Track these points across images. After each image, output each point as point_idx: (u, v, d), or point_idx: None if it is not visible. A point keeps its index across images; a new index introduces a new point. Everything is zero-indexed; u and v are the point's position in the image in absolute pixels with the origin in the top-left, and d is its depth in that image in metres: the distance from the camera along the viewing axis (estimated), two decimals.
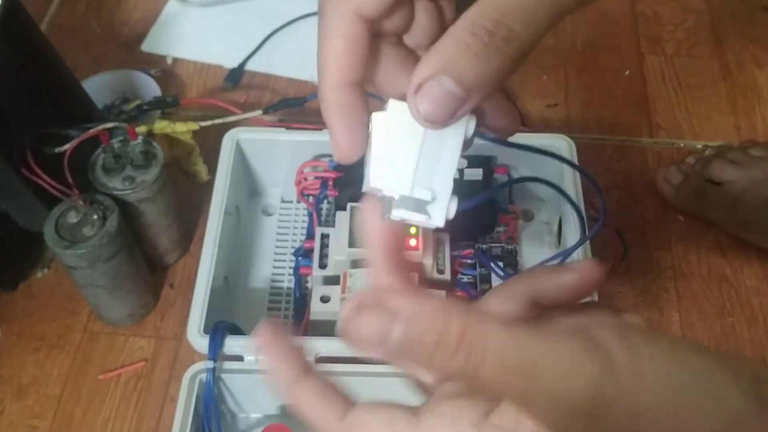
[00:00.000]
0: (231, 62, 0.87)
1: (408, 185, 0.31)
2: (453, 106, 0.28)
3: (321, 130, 0.71)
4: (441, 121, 0.29)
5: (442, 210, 0.32)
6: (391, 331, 0.25)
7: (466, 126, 0.31)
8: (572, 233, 0.64)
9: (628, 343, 0.26)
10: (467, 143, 0.31)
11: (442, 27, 0.33)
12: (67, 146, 0.61)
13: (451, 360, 0.25)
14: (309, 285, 0.66)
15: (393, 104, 0.31)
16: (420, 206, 0.31)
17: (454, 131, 0.31)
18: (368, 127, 0.32)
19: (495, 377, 0.25)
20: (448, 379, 0.29)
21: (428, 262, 0.61)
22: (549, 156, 0.42)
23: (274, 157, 0.71)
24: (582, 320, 0.32)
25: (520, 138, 0.36)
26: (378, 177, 0.31)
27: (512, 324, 0.26)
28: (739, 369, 0.27)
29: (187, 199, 0.73)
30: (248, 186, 0.74)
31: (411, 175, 0.31)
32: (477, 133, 0.31)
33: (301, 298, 0.66)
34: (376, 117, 0.31)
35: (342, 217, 0.63)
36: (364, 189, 0.32)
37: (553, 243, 0.70)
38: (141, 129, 0.65)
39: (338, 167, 0.68)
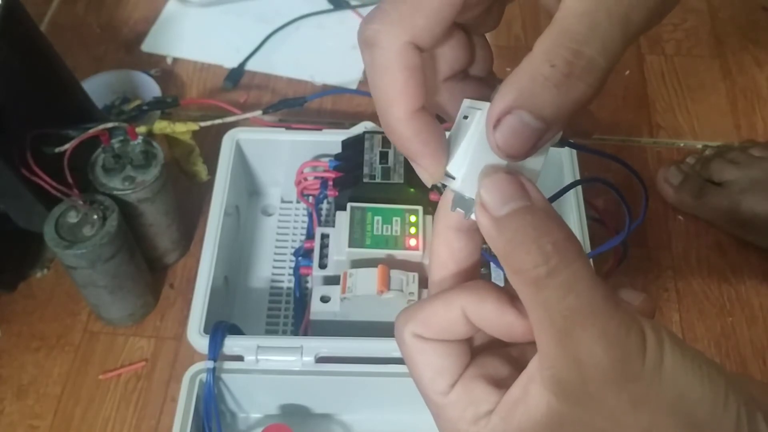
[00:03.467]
0: (231, 62, 0.87)
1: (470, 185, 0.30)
2: (533, 140, 0.27)
3: (321, 130, 0.71)
4: (522, 155, 0.28)
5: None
6: (521, 198, 0.28)
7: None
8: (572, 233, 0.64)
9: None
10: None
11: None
12: (67, 146, 0.61)
13: (538, 254, 0.27)
14: (309, 285, 0.66)
15: (487, 106, 0.29)
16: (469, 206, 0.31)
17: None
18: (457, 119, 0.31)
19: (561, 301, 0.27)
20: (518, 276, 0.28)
21: (428, 261, 0.61)
22: (617, 162, 0.41)
23: (273, 157, 0.71)
24: None
25: None
26: (465, 181, 0.30)
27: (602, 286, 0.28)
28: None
29: (187, 199, 0.73)
30: (248, 186, 0.74)
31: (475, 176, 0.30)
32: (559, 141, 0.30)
33: (301, 298, 0.66)
34: (473, 115, 0.30)
35: (342, 217, 0.63)
36: (452, 185, 0.31)
37: None
38: (141, 129, 0.65)
39: (338, 167, 0.68)
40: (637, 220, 0.40)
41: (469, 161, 0.30)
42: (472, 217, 0.30)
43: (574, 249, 0.28)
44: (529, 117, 0.27)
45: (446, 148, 0.30)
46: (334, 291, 0.60)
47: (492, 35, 0.34)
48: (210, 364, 0.57)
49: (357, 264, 0.60)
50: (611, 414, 0.28)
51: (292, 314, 0.67)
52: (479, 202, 0.28)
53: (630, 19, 0.26)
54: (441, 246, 0.33)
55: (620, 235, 0.40)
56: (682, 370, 0.27)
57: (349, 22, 0.91)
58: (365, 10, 0.91)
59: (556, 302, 0.27)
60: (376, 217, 0.61)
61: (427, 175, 0.31)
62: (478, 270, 0.34)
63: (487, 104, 0.29)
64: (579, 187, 0.65)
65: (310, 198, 0.70)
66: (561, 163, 0.67)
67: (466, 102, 0.31)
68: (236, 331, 0.59)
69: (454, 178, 0.31)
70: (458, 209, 0.31)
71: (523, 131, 0.27)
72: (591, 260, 0.62)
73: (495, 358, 0.32)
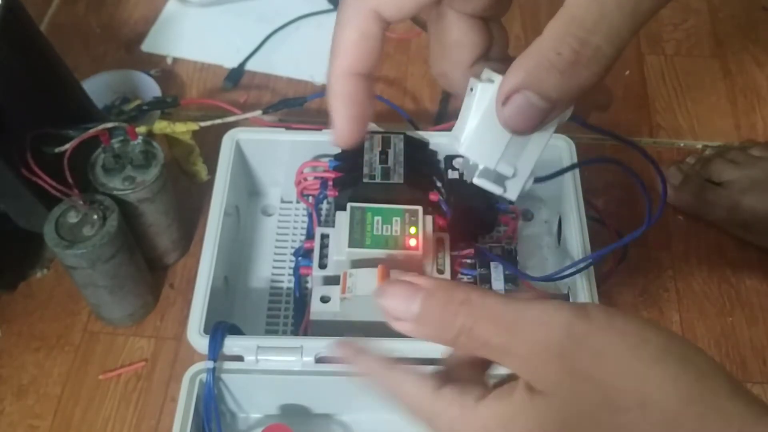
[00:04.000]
0: (231, 62, 0.87)
1: (494, 160, 0.33)
2: (538, 118, 0.29)
3: (321, 130, 0.71)
4: (528, 130, 0.30)
5: (518, 186, 0.34)
6: (413, 300, 0.31)
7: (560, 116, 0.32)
8: (572, 233, 0.64)
9: (607, 310, 0.30)
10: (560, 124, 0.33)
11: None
12: (67, 146, 0.61)
13: (454, 318, 0.30)
14: (309, 285, 0.66)
15: (499, 79, 0.31)
16: (500, 179, 0.33)
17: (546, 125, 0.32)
18: (466, 90, 0.33)
19: (485, 333, 0.30)
20: (452, 344, 0.32)
21: (428, 262, 0.61)
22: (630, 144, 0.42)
23: (273, 157, 0.71)
24: None
25: None
26: (470, 147, 0.33)
27: (510, 296, 0.31)
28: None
29: (187, 199, 0.73)
30: (248, 186, 0.74)
31: (500, 152, 0.32)
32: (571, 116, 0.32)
33: (301, 298, 0.66)
34: (483, 88, 0.32)
35: (342, 217, 0.63)
36: (459, 149, 0.33)
37: (552, 243, 0.70)
38: (141, 129, 0.65)
39: (338, 167, 0.68)
40: (655, 216, 0.40)
41: (474, 130, 0.32)
42: (473, 180, 0.33)
43: (469, 295, 0.31)
44: (535, 97, 0.29)
45: (363, 123, 0.33)
46: (334, 291, 0.60)
47: None
48: (210, 364, 0.57)
49: (357, 264, 0.60)
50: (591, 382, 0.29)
51: (292, 314, 0.67)
52: (392, 317, 0.32)
53: (639, 7, 0.27)
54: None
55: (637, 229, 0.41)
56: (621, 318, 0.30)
57: None
58: None
59: (493, 335, 0.30)
60: (376, 217, 0.61)
61: (335, 136, 0.33)
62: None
63: (493, 76, 0.31)
64: (579, 190, 0.65)
65: (310, 198, 0.70)
66: (560, 158, 0.67)
67: (480, 85, 0.32)
68: (236, 331, 0.59)
69: (461, 142, 0.33)
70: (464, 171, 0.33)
71: (529, 110, 0.29)
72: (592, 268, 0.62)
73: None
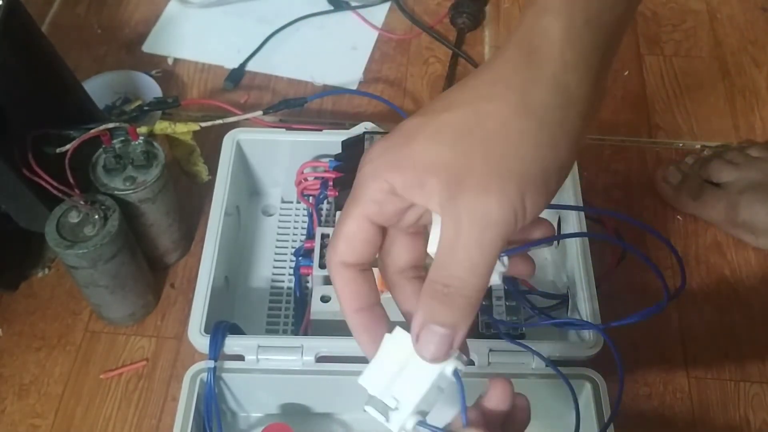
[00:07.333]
0: (231, 63, 0.87)
1: (380, 389, 0.37)
2: (446, 343, 0.35)
3: (321, 130, 0.71)
4: (442, 356, 0.36)
5: (399, 420, 0.37)
6: None
7: (443, 367, 0.37)
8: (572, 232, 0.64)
9: None
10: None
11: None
12: (68, 146, 0.61)
13: None
14: (309, 285, 0.66)
15: (399, 330, 0.38)
16: (384, 409, 0.37)
17: (432, 368, 0.37)
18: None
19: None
20: None
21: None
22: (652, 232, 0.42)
23: (274, 157, 0.72)
24: None
25: None
26: (365, 377, 0.38)
27: None
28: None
29: (188, 199, 0.74)
30: (248, 186, 0.74)
31: (386, 383, 0.37)
32: (456, 374, 0.37)
33: (301, 298, 0.66)
34: (388, 337, 0.38)
35: None
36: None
37: (552, 243, 0.70)
38: (142, 129, 0.65)
39: (338, 167, 0.68)
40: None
41: (373, 363, 0.38)
42: (366, 409, 0.38)
43: None
44: (437, 327, 0.35)
45: (378, 341, 0.38)
46: (334, 291, 0.60)
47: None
48: (211, 363, 0.57)
49: None
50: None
51: (293, 314, 0.67)
52: None
53: (484, 239, 0.33)
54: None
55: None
56: None
57: (349, 23, 0.91)
58: (365, 11, 0.92)
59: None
60: None
61: (366, 354, 0.39)
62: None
63: (399, 331, 0.38)
64: (578, 190, 0.65)
65: (311, 198, 0.70)
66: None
67: (386, 335, 0.38)
68: (237, 330, 0.60)
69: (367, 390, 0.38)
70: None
71: (436, 339, 0.35)
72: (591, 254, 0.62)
73: None
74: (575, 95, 0.34)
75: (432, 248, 0.36)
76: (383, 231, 0.38)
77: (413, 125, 0.36)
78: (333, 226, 0.65)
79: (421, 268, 0.40)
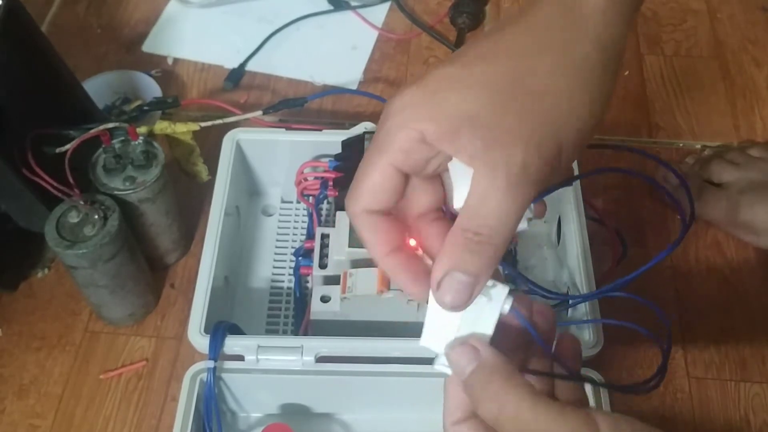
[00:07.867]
0: (231, 63, 0.87)
1: (444, 346, 0.38)
2: (468, 292, 0.35)
3: (321, 130, 0.71)
4: (462, 305, 0.36)
5: None
6: (469, 363, 0.37)
7: (502, 304, 0.38)
8: (572, 232, 0.64)
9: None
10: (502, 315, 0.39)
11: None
12: (67, 146, 0.61)
13: (487, 400, 0.36)
14: (309, 285, 0.66)
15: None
16: None
17: (491, 308, 0.38)
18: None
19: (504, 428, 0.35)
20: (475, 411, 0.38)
21: (428, 262, 0.61)
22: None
23: (274, 157, 0.71)
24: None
25: None
26: (427, 338, 0.38)
27: (538, 401, 0.35)
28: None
29: (188, 199, 0.74)
30: (248, 186, 0.74)
31: (447, 338, 0.38)
32: (513, 311, 0.38)
33: (301, 298, 0.66)
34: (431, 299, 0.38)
35: (342, 217, 0.63)
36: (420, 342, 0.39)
37: (552, 242, 0.70)
38: (142, 129, 0.65)
39: (338, 167, 0.68)
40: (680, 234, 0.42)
41: (428, 324, 0.38)
42: (435, 368, 0.39)
43: (509, 384, 0.36)
44: (460, 275, 0.35)
45: (424, 275, 0.38)
46: (334, 291, 0.60)
47: None
48: (210, 363, 0.57)
49: (357, 264, 0.60)
50: None
51: (293, 314, 0.67)
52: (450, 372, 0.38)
53: (518, 190, 0.34)
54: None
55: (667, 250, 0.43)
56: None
57: (349, 22, 0.91)
58: (365, 11, 0.92)
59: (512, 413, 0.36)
60: None
61: (411, 296, 0.40)
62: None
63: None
64: (578, 190, 0.65)
65: (311, 198, 0.70)
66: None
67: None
68: (237, 330, 0.59)
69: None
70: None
71: (459, 286, 0.35)
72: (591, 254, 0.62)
73: None
74: (613, 54, 0.35)
75: (458, 202, 0.36)
76: (406, 179, 0.38)
77: (446, 75, 0.36)
78: (333, 227, 0.65)
79: (440, 210, 0.40)
